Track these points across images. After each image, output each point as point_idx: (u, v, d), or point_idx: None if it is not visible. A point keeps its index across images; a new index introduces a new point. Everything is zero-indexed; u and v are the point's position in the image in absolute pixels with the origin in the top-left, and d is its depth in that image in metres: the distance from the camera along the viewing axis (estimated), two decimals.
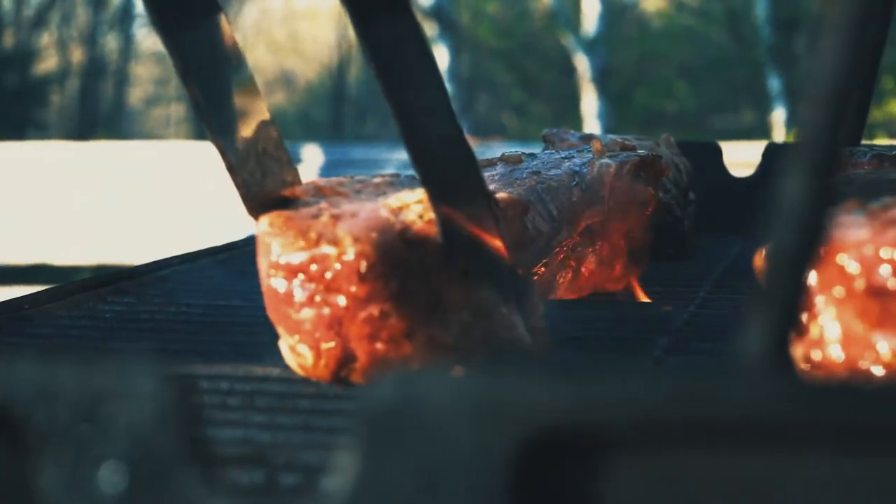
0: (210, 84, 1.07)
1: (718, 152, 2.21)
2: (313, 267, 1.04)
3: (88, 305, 1.45)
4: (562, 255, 1.44)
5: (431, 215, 1.05)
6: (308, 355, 1.07)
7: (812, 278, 0.89)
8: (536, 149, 1.68)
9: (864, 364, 0.87)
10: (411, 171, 1.25)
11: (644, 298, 1.50)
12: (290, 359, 1.09)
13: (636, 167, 1.51)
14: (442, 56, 10.44)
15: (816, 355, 0.89)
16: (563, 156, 1.50)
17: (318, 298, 1.04)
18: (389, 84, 0.99)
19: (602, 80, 11.02)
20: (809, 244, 0.52)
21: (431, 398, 0.50)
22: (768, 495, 0.48)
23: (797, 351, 0.91)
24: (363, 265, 1.02)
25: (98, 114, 13.23)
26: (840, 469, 0.48)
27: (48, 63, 12.48)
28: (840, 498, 0.48)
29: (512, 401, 0.49)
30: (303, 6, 14.22)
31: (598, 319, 1.41)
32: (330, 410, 1.02)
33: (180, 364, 1.15)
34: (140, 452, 0.53)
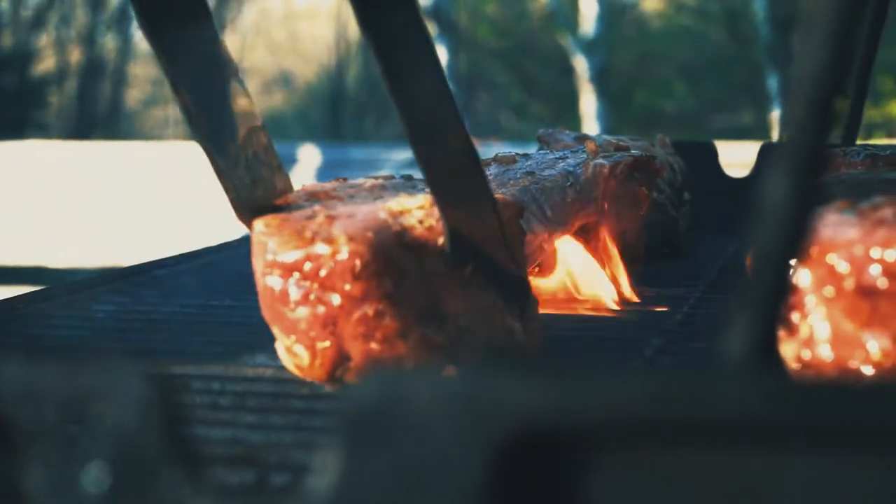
0: (199, 88, 1.07)
1: (714, 152, 2.21)
2: (308, 265, 1.04)
3: (82, 305, 1.45)
4: (557, 256, 1.44)
5: (432, 222, 1.05)
6: (304, 355, 1.07)
7: (802, 278, 0.89)
8: (534, 149, 1.68)
9: (854, 363, 0.87)
10: (407, 172, 1.25)
11: (636, 299, 1.50)
12: (286, 360, 1.09)
13: (630, 167, 1.51)
14: (441, 56, 10.44)
15: (806, 355, 0.89)
16: (557, 156, 1.50)
17: (312, 297, 1.05)
18: (396, 87, 1.00)
19: (601, 81, 11.02)
20: (794, 244, 0.52)
21: (415, 398, 0.50)
22: (751, 495, 0.48)
23: (788, 350, 0.91)
24: (357, 264, 1.02)
25: (97, 114, 13.23)
26: (823, 469, 0.48)
27: (47, 63, 12.48)
28: (823, 497, 0.48)
29: (495, 400, 0.49)
30: (302, 6, 14.22)
31: (591, 320, 1.42)
32: (322, 410, 1.03)
33: (173, 364, 1.15)
34: (125, 452, 0.53)
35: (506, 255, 1.10)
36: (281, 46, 13.86)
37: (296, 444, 0.93)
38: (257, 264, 1.08)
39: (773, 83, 11.60)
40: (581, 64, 11.07)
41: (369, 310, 1.03)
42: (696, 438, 0.48)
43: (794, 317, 0.90)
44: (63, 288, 1.49)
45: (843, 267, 0.87)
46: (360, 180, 1.20)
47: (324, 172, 6.08)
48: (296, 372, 1.09)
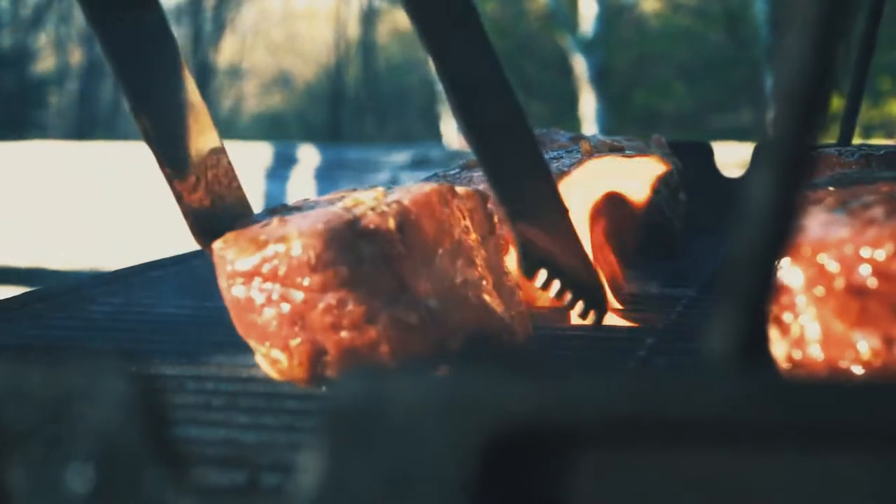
0: (159, 112, 1.08)
1: (710, 152, 2.21)
2: (266, 267, 1.06)
3: (77, 306, 1.45)
4: None
5: (384, 208, 1.06)
6: (282, 358, 1.08)
7: (793, 277, 0.89)
8: None
9: (844, 363, 0.87)
10: (405, 173, 1.25)
11: (631, 298, 1.50)
12: (268, 368, 1.10)
13: (624, 168, 1.51)
14: None
15: (797, 355, 0.89)
16: (551, 157, 1.51)
17: (275, 297, 1.06)
18: (466, 107, 1.02)
19: (600, 81, 11.01)
20: (777, 243, 0.52)
21: (399, 397, 0.50)
22: (733, 494, 0.48)
23: (779, 350, 0.91)
24: (312, 256, 1.03)
25: (96, 114, 13.23)
26: (807, 468, 0.48)
27: (46, 63, 12.49)
28: (806, 496, 0.48)
29: (480, 399, 0.49)
30: (301, 7, 14.22)
31: (585, 319, 1.41)
32: (316, 411, 1.03)
33: (167, 365, 1.15)
34: (108, 452, 0.53)
35: (581, 262, 1.12)
36: (280, 47, 13.86)
37: (288, 444, 0.93)
38: (221, 281, 1.09)
39: (772, 83, 11.57)
40: (580, 64, 11.07)
41: (332, 299, 1.04)
42: (680, 438, 0.48)
43: (786, 316, 0.90)
44: (58, 289, 1.49)
45: (833, 266, 0.87)
46: (324, 196, 1.22)
47: (321, 173, 6.08)
48: (282, 378, 1.09)
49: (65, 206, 6.86)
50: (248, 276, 1.07)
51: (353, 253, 1.04)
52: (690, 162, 1.94)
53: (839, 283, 0.87)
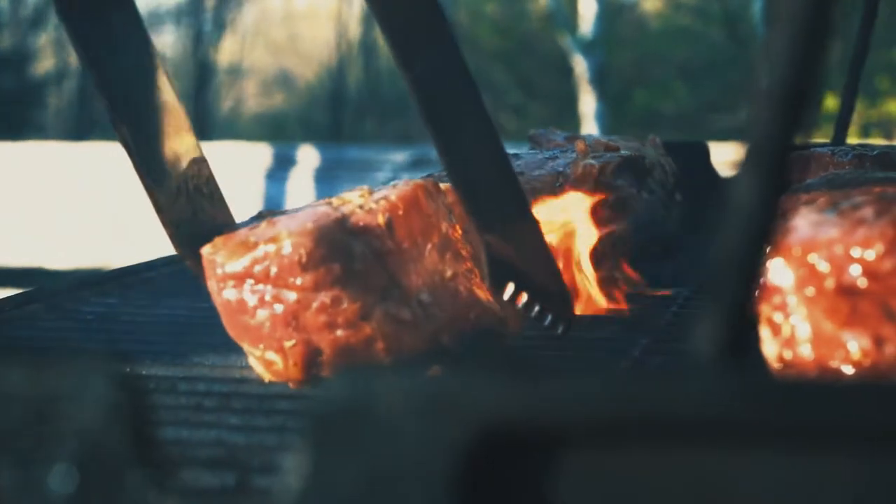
0: (140, 123, 1.08)
1: (706, 152, 2.21)
2: (257, 268, 1.05)
3: (71, 307, 1.45)
4: None
5: (372, 205, 1.06)
6: (277, 360, 1.07)
7: (784, 278, 0.89)
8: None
9: (834, 363, 0.87)
10: (404, 173, 1.25)
11: (625, 299, 1.49)
12: (262, 371, 1.10)
13: (620, 168, 1.51)
14: None
15: (788, 355, 0.89)
16: (547, 156, 1.51)
17: (268, 298, 1.06)
18: (436, 120, 1.03)
19: (600, 81, 11.00)
20: (759, 243, 0.52)
21: (384, 397, 0.50)
22: (716, 492, 0.48)
23: (770, 350, 0.91)
24: (303, 255, 1.03)
25: (96, 115, 13.24)
26: (788, 467, 0.48)
27: (45, 64, 12.48)
28: (787, 495, 0.48)
29: (462, 399, 0.49)
30: (302, 7, 14.21)
31: (580, 319, 1.41)
32: (301, 412, 1.03)
33: (159, 366, 1.15)
34: (91, 453, 0.53)
35: (549, 274, 1.13)
36: (281, 47, 13.85)
37: (279, 446, 0.93)
38: (211, 285, 1.09)
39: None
40: (580, 64, 11.06)
41: (325, 298, 1.04)
42: (661, 437, 0.48)
43: (776, 316, 0.90)
44: (52, 290, 1.49)
45: (823, 266, 0.87)
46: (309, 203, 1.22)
47: (321, 173, 6.08)
48: (276, 379, 1.09)
49: (64, 207, 6.85)
50: (240, 279, 1.07)
51: (344, 250, 1.04)
52: (687, 162, 1.93)
53: (829, 284, 0.87)
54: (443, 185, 1.15)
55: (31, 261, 6.66)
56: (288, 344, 1.07)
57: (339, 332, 1.05)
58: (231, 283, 1.08)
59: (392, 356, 1.06)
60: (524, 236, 1.13)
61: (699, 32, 13.03)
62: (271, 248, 1.05)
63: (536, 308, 1.14)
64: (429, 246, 1.09)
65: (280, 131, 12.74)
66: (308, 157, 6.14)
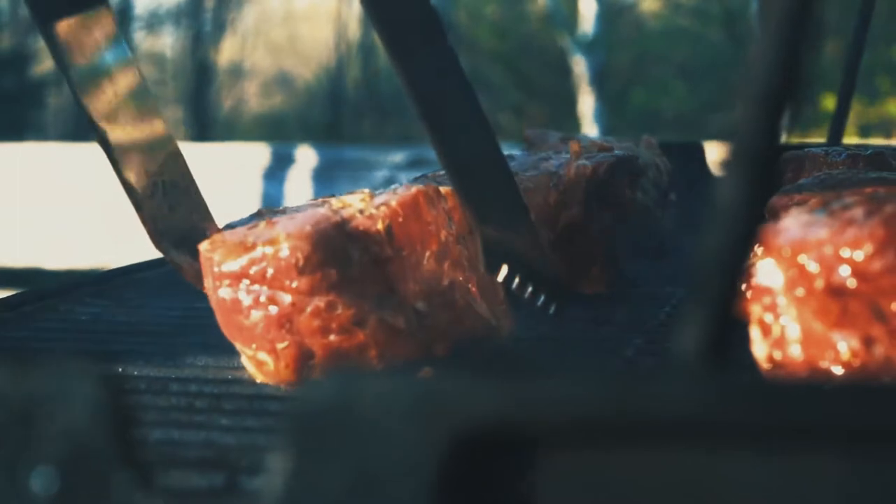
0: (115, 121, 1.08)
1: (701, 153, 2.21)
2: (254, 269, 1.05)
3: (65, 308, 1.45)
4: None
5: (373, 210, 1.06)
6: (268, 361, 1.08)
7: (774, 278, 0.89)
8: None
9: (824, 364, 0.87)
10: (402, 173, 1.26)
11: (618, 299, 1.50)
12: (254, 371, 1.10)
13: (613, 168, 1.51)
14: None
15: (778, 355, 0.89)
16: (540, 157, 1.51)
17: (263, 299, 1.06)
18: (427, 108, 1.04)
19: (599, 82, 11.01)
20: (743, 244, 0.52)
21: (367, 398, 0.50)
22: (697, 493, 0.48)
23: (760, 351, 0.91)
24: (300, 258, 1.03)
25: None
26: (768, 468, 0.48)
27: (45, 65, 12.48)
28: (767, 496, 0.48)
29: (446, 400, 0.49)
30: (302, 8, 14.21)
31: (574, 319, 1.41)
32: (286, 412, 1.02)
33: (151, 367, 1.15)
34: (75, 455, 0.53)
35: (541, 257, 1.15)
36: (281, 47, 13.85)
37: (269, 446, 0.93)
38: (207, 282, 1.09)
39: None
40: (579, 65, 11.06)
41: (320, 302, 1.04)
42: (642, 438, 0.48)
43: (766, 317, 0.90)
44: (46, 290, 1.49)
45: (813, 267, 0.87)
46: (306, 202, 1.22)
47: (319, 173, 6.08)
48: (268, 380, 1.09)
49: (63, 207, 6.86)
50: (236, 278, 1.07)
51: (341, 255, 1.04)
52: (682, 162, 1.93)
53: (819, 284, 0.87)
54: (443, 189, 1.15)
55: (30, 261, 6.66)
56: (280, 346, 1.07)
57: (333, 337, 1.05)
58: (227, 281, 1.08)
59: (384, 363, 1.06)
60: (516, 221, 1.16)
61: (698, 33, 13.03)
62: (269, 249, 1.05)
63: (529, 289, 1.17)
64: (427, 253, 1.09)
65: (280, 131, 12.74)
66: (306, 156, 6.15)
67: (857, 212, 0.88)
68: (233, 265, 1.07)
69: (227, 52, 13.30)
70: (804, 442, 0.47)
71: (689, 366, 0.50)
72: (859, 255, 0.85)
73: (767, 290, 0.90)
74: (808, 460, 0.47)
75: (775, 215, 1.00)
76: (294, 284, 1.04)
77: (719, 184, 0.52)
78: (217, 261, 1.08)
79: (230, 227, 1.15)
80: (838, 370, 0.86)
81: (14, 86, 11.52)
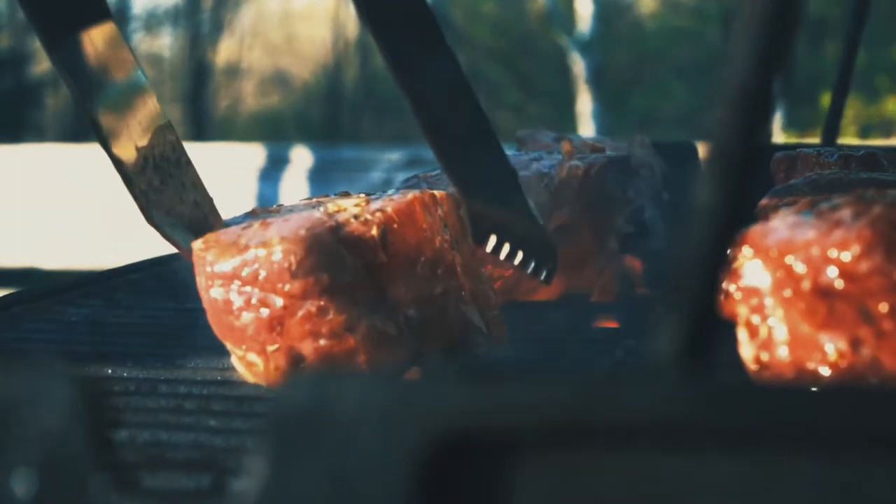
0: (104, 98, 1.08)
1: (695, 153, 2.20)
2: (246, 271, 1.05)
3: (56, 309, 1.45)
4: None
5: (368, 216, 1.06)
6: (258, 362, 1.07)
7: (761, 279, 0.89)
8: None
9: (811, 365, 0.87)
10: (400, 173, 1.25)
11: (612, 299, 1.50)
12: (244, 371, 1.10)
13: (605, 169, 1.51)
14: None
15: (765, 356, 0.89)
16: (532, 157, 1.50)
17: (254, 301, 1.05)
18: (405, 70, 1.03)
19: (597, 81, 11.00)
20: (720, 246, 0.51)
21: (342, 401, 0.50)
22: (672, 495, 0.48)
23: (747, 352, 0.91)
24: (293, 262, 1.03)
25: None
26: (742, 469, 0.47)
27: (43, 65, 12.48)
28: (742, 497, 0.47)
29: (421, 403, 0.49)
30: (299, 7, 14.21)
31: (566, 320, 1.41)
32: (262, 414, 1.02)
33: (140, 368, 1.15)
34: (52, 457, 0.53)
35: (529, 223, 1.14)
36: (278, 47, 13.85)
37: (247, 448, 0.93)
38: (199, 280, 1.09)
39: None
40: (578, 64, 11.06)
41: (312, 307, 1.04)
42: (616, 440, 0.48)
43: (754, 318, 0.90)
44: (38, 291, 1.49)
45: (800, 268, 0.87)
46: (300, 201, 1.21)
47: (316, 173, 6.08)
48: (257, 381, 1.09)
49: (62, 208, 6.86)
50: (228, 279, 1.07)
51: (334, 260, 1.04)
52: (677, 162, 1.93)
53: (806, 285, 0.87)
54: (437, 193, 1.14)
55: (30, 261, 6.66)
56: (271, 348, 1.07)
57: (323, 342, 1.05)
58: (219, 282, 1.07)
59: (374, 368, 1.05)
60: (503, 188, 1.15)
61: (696, 32, 13.03)
62: (262, 252, 1.05)
63: (520, 256, 1.16)
64: (421, 260, 1.09)
65: (277, 131, 12.74)
66: (303, 157, 6.15)
67: (845, 213, 0.88)
68: (225, 266, 1.07)
69: (224, 52, 13.30)
70: (779, 444, 0.47)
71: (666, 368, 0.50)
72: (846, 257, 0.85)
73: (755, 291, 0.90)
74: (784, 462, 0.47)
75: (764, 216, 1.00)
76: (286, 288, 1.04)
77: (697, 185, 0.52)
78: (210, 260, 1.08)
79: (225, 224, 1.14)
80: (825, 371, 0.86)
81: (12, 87, 11.52)
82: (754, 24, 0.50)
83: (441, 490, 0.49)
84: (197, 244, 1.10)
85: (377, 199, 1.11)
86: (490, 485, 0.49)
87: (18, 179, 6.91)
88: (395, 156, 5.81)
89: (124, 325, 1.39)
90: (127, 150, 1.09)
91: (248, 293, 1.06)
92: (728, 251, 0.52)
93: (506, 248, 1.16)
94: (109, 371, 1.14)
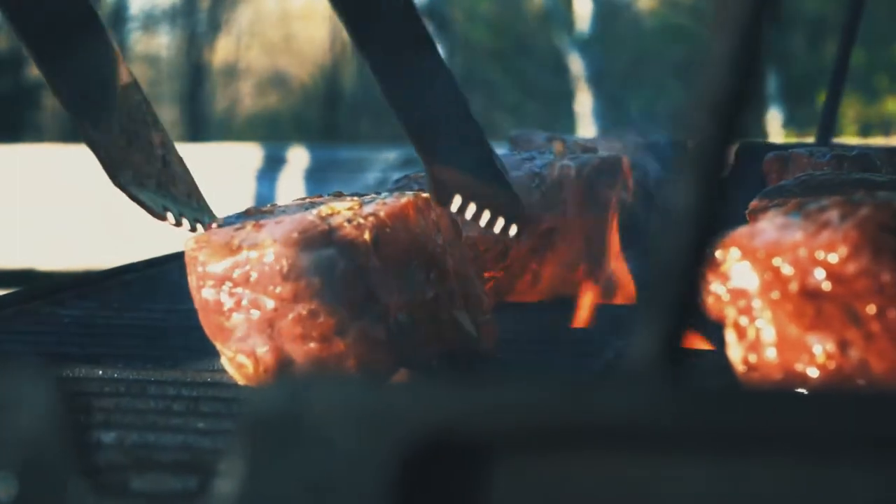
0: (66, 61, 1.06)
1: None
2: (237, 272, 1.05)
3: (48, 310, 1.45)
4: (522, 258, 1.43)
5: (361, 220, 1.06)
6: (248, 364, 1.07)
7: (749, 281, 0.89)
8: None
9: (799, 366, 0.87)
10: (397, 173, 1.24)
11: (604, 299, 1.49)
12: (233, 372, 1.10)
13: (597, 170, 1.51)
14: None
15: (753, 358, 0.89)
16: (524, 157, 1.50)
17: (245, 302, 1.05)
18: (363, 25, 1.01)
19: (596, 81, 11.00)
20: (697, 248, 0.51)
21: (318, 404, 0.50)
22: (650, 498, 0.48)
23: (735, 353, 0.91)
24: (285, 265, 1.03)
25: None
26: (720, 473, 0.47)
27: None
28: (719, 501, 0.47)
29: (397, 407, 0.49)
30: (297, 7, 14.20)
31: (558, 322, 1.41)
32: (237, 417, 1.02)
33: (129, 369, 1.15)
34: (30, 461, 0.53)
35: (495, 179, 1.11)
36: (276, 47, 13.85)
37: (223, 450, 0.92)
38: (191, 281, 1.09)
39: (769, 84, 11.59)
40: (576, 64, 11.06)
41: (303, 310, 1.04)
42: (593, 443, 0.48)
43: (742, 320, 0.90)
44: (31, 292, 1.49)
45: (787, 270, 0.87)
46: (293, 201, 1.21)
47: (312, 174, 6.07)
48: (246, 382, 1.09)
49: (60, 209, 6.86)
50: (219, 280, 1.07)
51: (326, 264, 1.04)
52: (672, 162, 1.93)
53: (794, 287, 0.87)
54: (430, 197, 1.14)
55: (30, 262, 6.66)
56: (260, 350, 1.07)
57: (313, 345, 1.05)
58: (210, 282, 1.07)
59: (363, 372, 1.05)
60: (467, 145, 1.12)
61: (695, 31, 13.02)
62: (254, 254, 1.05)
63: (487, 216, 1.13)
64: (413, 264, 1.09)
65: (275, 131, 12.73)
66: (299, 157, 6.14)
67: (833, 214, 0.88)
68: (216, 267, 1.07)
69: (221, 52, 13.29)
70: (757, 447, 0.47)
71: (644, 371, 0.50)
72: (834, 258, 0.85)
73: (743, 293, 0.89)
74: (761, 465, 0.47)
75: (753, 217, 1.00)
76: (277, 290, 1.04)
77: (674, 188, 0.52)
78: (201, 261, 1.08)
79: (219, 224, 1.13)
80: (814, 373, 0.86)
81: (11, 87, 11.52)
82: (729, 28, 0.49)
83: (418, 493, 0.49)
84: (189, 244, 1.10)
85: (370, 202, 1.11)
86: (468, 488, 0.49)
87: (19, 180, 6.90)
88: (391, 155, 5.80)
89: (116, 327, 1.39)
90: (91, 112, 1.07)
91: (240, 294, 1.06)
92: (706, 254, 0.52)
93: (471, 207, 1.12)
94: (100, 372, 1.13)
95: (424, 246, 1.10)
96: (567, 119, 11.15)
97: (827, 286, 0.85)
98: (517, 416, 0.47)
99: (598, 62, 11.02)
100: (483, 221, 1.13)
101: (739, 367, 0.90)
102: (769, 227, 0.90)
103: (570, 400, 0.47)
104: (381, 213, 1.07)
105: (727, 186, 0.51)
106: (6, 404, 0.53)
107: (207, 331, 1.11)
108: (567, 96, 11.57)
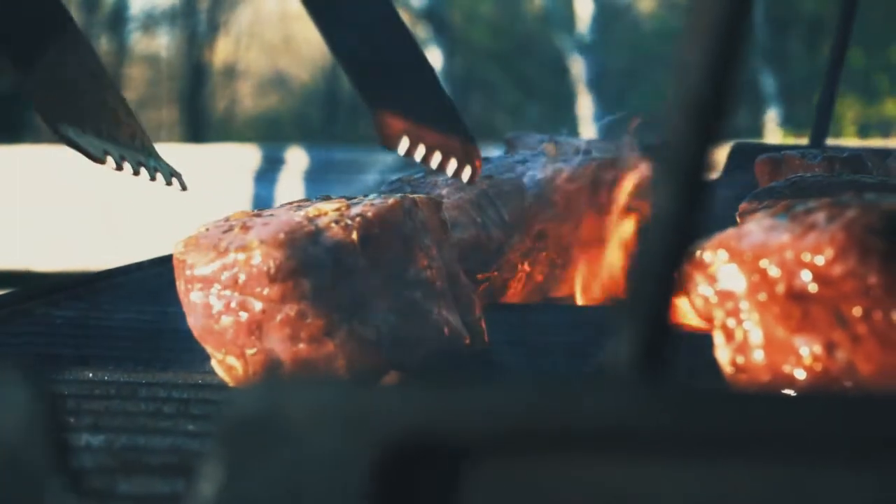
0: (9, 17, 1.05)
1: None
2: (225, 275, 1.05)
3: (41, 312, 1.45)
4: (515, 260, 1.43)
5: (348, 221, 1.06)
6: (237, 365, 1.07)
7: (736, 282, 0.89)
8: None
9: (786, 368, 0.87)
10: (395, 174, 1.24)
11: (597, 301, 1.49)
12: (223, 374, 1.10)
13: (590, 171, 1.51)
14: (435, 58, 10.42)
15: (740, 360, 0.89)
16: (517, 159, 1.50)
17: (233, 305, 1.05)
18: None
19: (597, 82, 11.00)
20: (675, 253, 0.51)
21: (295, 406, 0.50)
22: (628, 501, 0.48)
23: (723, 355, 0.91)
24: (272, 266, 1.03)
25: None
26: (699, 476, 0.47)
27: None
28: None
29: (376, 409, 0.49)
30: (297, 7, 14.19)
31: (550, 324, 1.41)
32: (215, 419, 1.02)
33: (121, 371, 1.15)
34: (8, 463, 0.53)
35: (447, 119, 1.09)
36: (275, 48, 13.85)
37: (201, 453, 0.93)
38: (179, 284, 1.09)
39: (768, 84, 11.60)
40: (577, 65, 11.06)
41: (291, 311, 1.04)
42: (572, 446, 0.48)
43: (729, 322, 0.90)
44: (24, 294, 1.49)
45: (774, 272, 0.87)
46: (282, 204, 1.21)
47: (309, 175, 6.08)
48: (236, 384, 1.09)
49: (61, 209, 6.86)
50: (207, 283, 1.07)
51: (314, 265, 1.04)
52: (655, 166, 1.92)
53: (781, 289, 0.87)
54: (418, 198, 1.14)
55: (29, 263, 6.66)
56: (249, 352, 1.07)
57: (301, 346, 1.05)
58: (198, 285, 1.08)
59: (353, 373, 1.05)
60: (416, 85, 1.10)
61: None
62: (241, 256, 1.05)
63: (438, 159, 1.11)
64: (402, 265, 1.09)
65: (274, 132, 12.73)
66: (298, 158, 6.14)
67: (819, 216, 0.88)
68: (204, 269, 1.07)
69: (221, 52, 13.30)
70: (736, 449, 0.47)
71: (622, 374, 0.50)
72: (820, 260, 0.85)
73: (730, 295, 0.90)
74: (741, 468, 0.47)
75: (742, 219, 1.00)
76: (265, 292, 1.04)
77: (653, 192, 0.52)
78: (189, 264, 1.08)
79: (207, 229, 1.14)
80: (801, 375, 0.86)
81: (10, 88, 11.52)
82: (706, 32, 0.50)
83: (397, 495, 0.49)
84: (177, 247, 1.10)
85: (358, 203, 1.11)
86: (445, 491, 0.49)
87: (19, 180, 6.90)
88: (389, 157, 5.81)
89: (108, 328, 1.39)
90: (28, 65, 1.06)
91: (228, 297, 1.06)
92: (683, 257, 0.52)
93: (420, 149, 1.10)
94: (90, 374, 1.14)
95: (412, 247, 1.10)
96: (568, 121, 11.15)
97: (814, 288, 0.86)
98: (495, 418, 0.47)
99: (599, 64, 11.03)
100: (434, 163, 1.11)
101: (727, 369, 0.90)
102: (756, 228, 0.90)
103: (548, 402, 0.47)
104: (369, 214, 1.07)
105: (709, 190, 0.51)
106: None
107: (196, 333, 1.11)
108: (568, 98, 11.57)
